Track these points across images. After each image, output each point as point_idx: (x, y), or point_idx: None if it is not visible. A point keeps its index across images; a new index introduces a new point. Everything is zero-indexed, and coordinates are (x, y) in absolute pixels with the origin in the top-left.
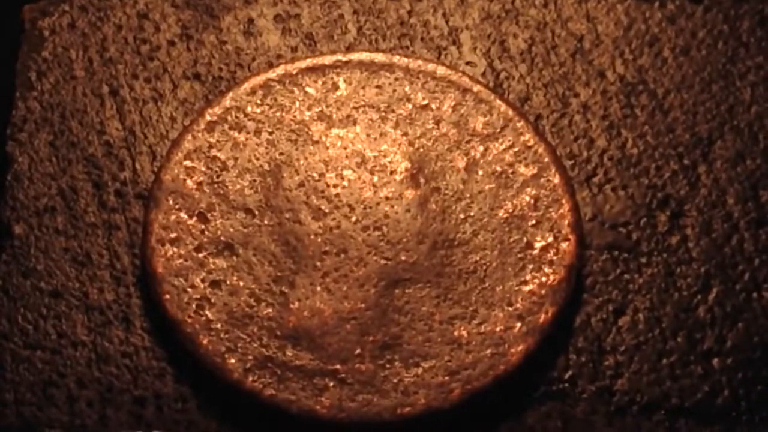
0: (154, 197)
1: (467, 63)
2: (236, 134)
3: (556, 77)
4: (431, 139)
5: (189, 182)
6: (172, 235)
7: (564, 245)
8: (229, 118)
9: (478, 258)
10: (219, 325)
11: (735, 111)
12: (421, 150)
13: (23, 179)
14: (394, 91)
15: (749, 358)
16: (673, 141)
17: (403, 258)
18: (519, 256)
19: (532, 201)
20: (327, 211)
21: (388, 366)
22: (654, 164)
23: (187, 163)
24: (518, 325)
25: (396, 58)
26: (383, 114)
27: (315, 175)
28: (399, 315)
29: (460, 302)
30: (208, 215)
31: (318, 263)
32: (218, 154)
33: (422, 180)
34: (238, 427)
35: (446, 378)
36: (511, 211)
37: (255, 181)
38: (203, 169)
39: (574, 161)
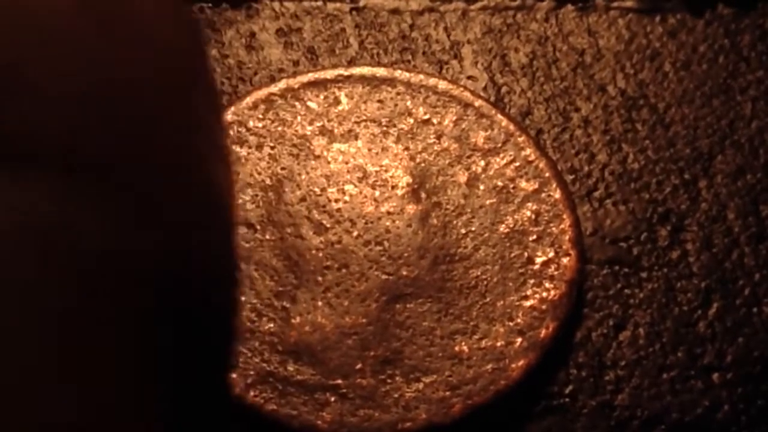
0: None
1: (469, 77)
2: (238, 149)
3: (557, 92)
4: (432, 154)
5: None
6: None
7: (565, 260)
8: (231, 132)
9: (479, 273)
10: None
11: (735, 125)
12: (423, 165)
13: None
14: (396, 105)
15: (749, 373)
16: (673, 156)
17: (404, 273)
18: (520, 271)
19: (533, 216)
20: (328, 225)
21: (389, 381)
22: (655, 179)
23: None
24: (519, 340)
25: (397, 73)
26: (385, 128)
27: (316, 189)
28: (400, 330)
29: (461, 317)
30: None
31: (319, 278)
32: None
33: (423, 195)
34: None
35: (447, 393)
36: (512, 226)
37: (257, 195)
38: None
39: (575, 176)
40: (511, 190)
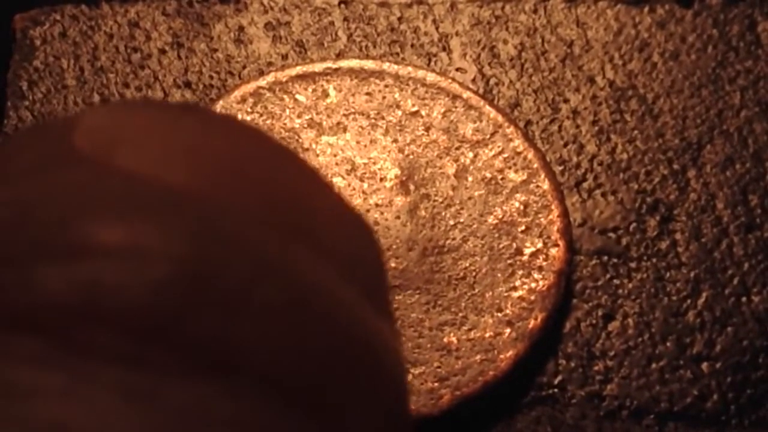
0: None
1: (457, 69)
2: None
3: (545, 83)
4: (421, 146)
5: None
6: None
7: (553, 251)
8: None
9: (467, 264)
10: None
11: (724, 115)
12: (411, 157)
13: None
14: (384, 98)
15: (738, 362)
16: (662, 146)
17: (392, 265)
18: (508, 262)
19: (522, 207)
20: None
21: None
22: (643, 169)
23: None
24: (508, 330)
25: (386, 65)
26: (373, 121)
27: None
28: None
29: (449, 308)
30: None
31: None
32: None
33: (412, 187)
34: None
35: (436, 384)
36: (500, 217)
37: None
38: None
39: (563, 167)
40: (500, 182)
